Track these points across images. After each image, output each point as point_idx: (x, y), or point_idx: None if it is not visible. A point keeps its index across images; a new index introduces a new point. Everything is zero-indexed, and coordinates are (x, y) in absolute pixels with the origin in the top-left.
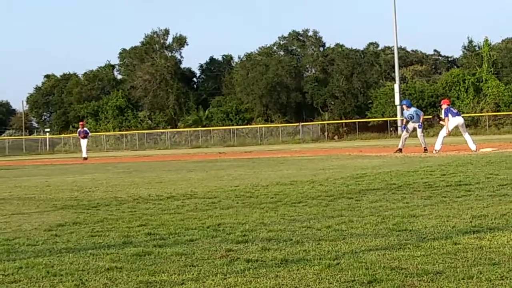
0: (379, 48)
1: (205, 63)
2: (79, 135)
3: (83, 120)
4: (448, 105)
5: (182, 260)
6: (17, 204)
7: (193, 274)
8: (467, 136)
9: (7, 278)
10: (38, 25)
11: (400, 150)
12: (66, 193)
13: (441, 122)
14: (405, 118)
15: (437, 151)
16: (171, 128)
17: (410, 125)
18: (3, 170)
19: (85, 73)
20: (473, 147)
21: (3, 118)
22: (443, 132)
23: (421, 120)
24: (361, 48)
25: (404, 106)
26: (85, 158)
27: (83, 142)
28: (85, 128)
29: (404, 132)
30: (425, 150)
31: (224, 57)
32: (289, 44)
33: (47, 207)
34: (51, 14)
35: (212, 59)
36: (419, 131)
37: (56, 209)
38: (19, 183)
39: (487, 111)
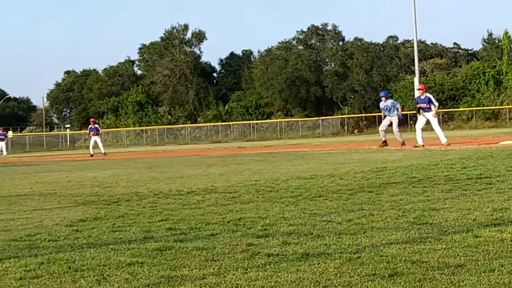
0: (399, 41)
1: (225, 58)
2: (90, 132)
3: (93, 117)
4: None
5: (203, 255)
6: (38, 200)
7: (214, 268)
8: (438, 130)
9: (29, 273)
10: (58, 21)
11: (385, 142)
12: (87, 188)
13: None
14: (382, 109)
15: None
16: (191, 123)
17: (387, 119)
18: (24, 166)
19: (105, 69)
20: (444, 140)
21: (24, 114)
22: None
23: (399, 111)
24: (381, 42)
25: (383, 98)
26: (104, 154)
27: (97, 139)
28: (96, 125)
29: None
30: (403, 144)
31: (244, 52)
32: (308, 38)
33: (68, 203)
34: (71, 10)
35: (232, 54)
36: (395, 124)
37: (77, 205)
38: (40, 179)
39: (508, 104)
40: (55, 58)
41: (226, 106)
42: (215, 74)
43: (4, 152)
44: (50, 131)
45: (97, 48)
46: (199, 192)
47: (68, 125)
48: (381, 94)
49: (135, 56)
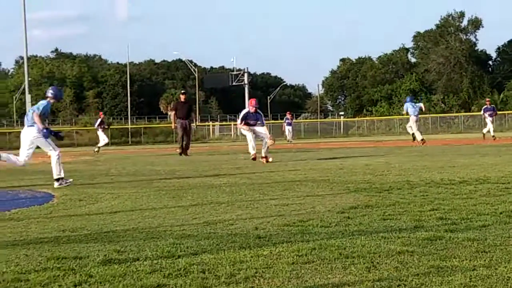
0: None
1: (502, 46)
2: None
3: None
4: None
5: (473, 246)
6: (311, 186)
7: (484, 260)
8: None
9: (300, 258)
10: (340, 12)
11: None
12: (359, 176)
13: None
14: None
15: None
16: (464, 112)
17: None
18: (299, 153)
19: (380, 56)
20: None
21: (299, 101)
22: None
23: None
24: None
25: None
26: None
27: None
28: None
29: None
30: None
31: None
32: None
33: (340, 190)
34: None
35: (510, 42)
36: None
37: (349, 192)
38: (314, 165)
39: None
40: (332, 45)
41: (501, 95)
42: (490, 62)
43: (288, 136)
44: (325, 118)
45: (372, 36)
46: (471, 182)
47: (342, 113)
48: (407, 99)
49: (409, 43)
